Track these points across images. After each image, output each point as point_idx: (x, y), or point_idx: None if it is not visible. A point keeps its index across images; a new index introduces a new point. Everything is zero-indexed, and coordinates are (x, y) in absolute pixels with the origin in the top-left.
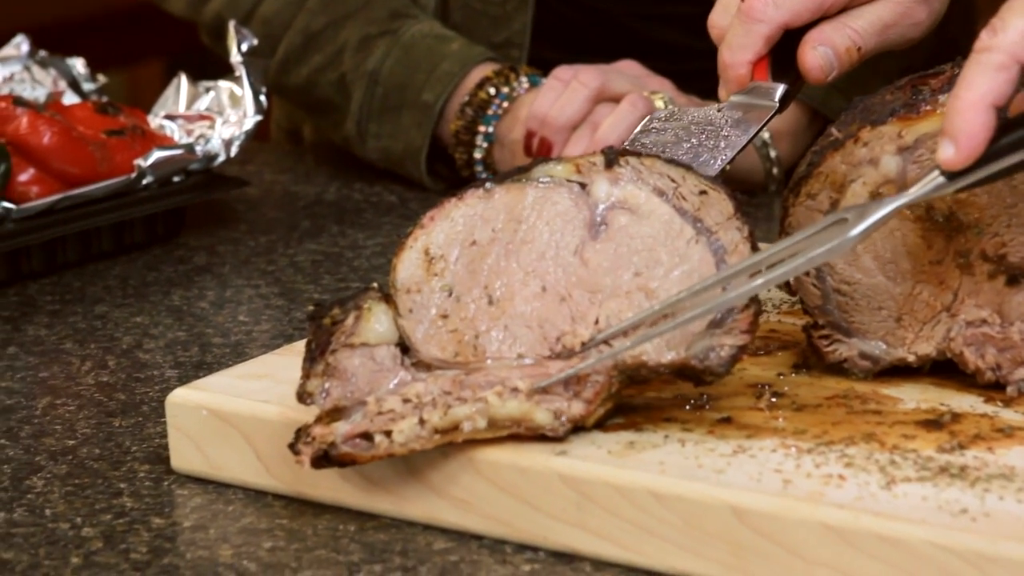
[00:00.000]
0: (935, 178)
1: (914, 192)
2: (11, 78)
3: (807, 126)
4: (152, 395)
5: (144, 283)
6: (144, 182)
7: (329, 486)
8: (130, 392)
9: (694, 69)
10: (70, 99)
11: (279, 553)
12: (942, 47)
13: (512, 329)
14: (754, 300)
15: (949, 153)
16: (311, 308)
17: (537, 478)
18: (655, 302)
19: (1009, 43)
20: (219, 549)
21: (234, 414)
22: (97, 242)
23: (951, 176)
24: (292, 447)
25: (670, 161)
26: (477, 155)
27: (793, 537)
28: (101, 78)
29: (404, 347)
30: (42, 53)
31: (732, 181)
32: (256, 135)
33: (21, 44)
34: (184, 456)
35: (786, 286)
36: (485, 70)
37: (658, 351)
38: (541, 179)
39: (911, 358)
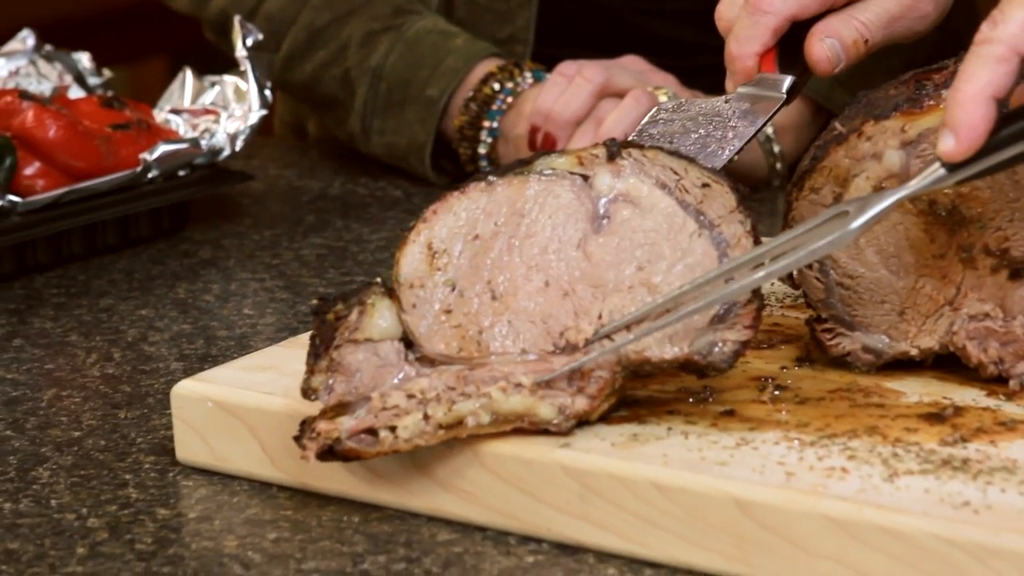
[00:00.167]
0: (936, 170)
1: (915, 184)
2: (17, 72)
3: (811, 121)
4: (157, 387)
5: (149, 276)
6: (149, 176)
7: (334, 478)
8: (135, 384)
9: (698, 64)
10: (75, 93)
11: (284, 544)
12: (945, 42)
13: (515, 324)
14: (757, 295)
15: (949, 145)
16: (315, 303)
17: (541, 470)
18: (658, 296)
19: (1009, 35)
20: (224, 540)
21: (239, 406)
22: (102, 235)
23: (951, 168)
24: (297, 440)
25: (673, 153)
26: (481, 150)
27: (796, 529)
28: (106, 72)
29: (408, 342)
30: (48, 47)
31: (736, 175)
32: (261, 130)
33: (27, 38)
34: (189, 447)
35: (789, 280)
36: (489, 66)
37: (661, 346)
38: (543, 172)
39: (914, 352)
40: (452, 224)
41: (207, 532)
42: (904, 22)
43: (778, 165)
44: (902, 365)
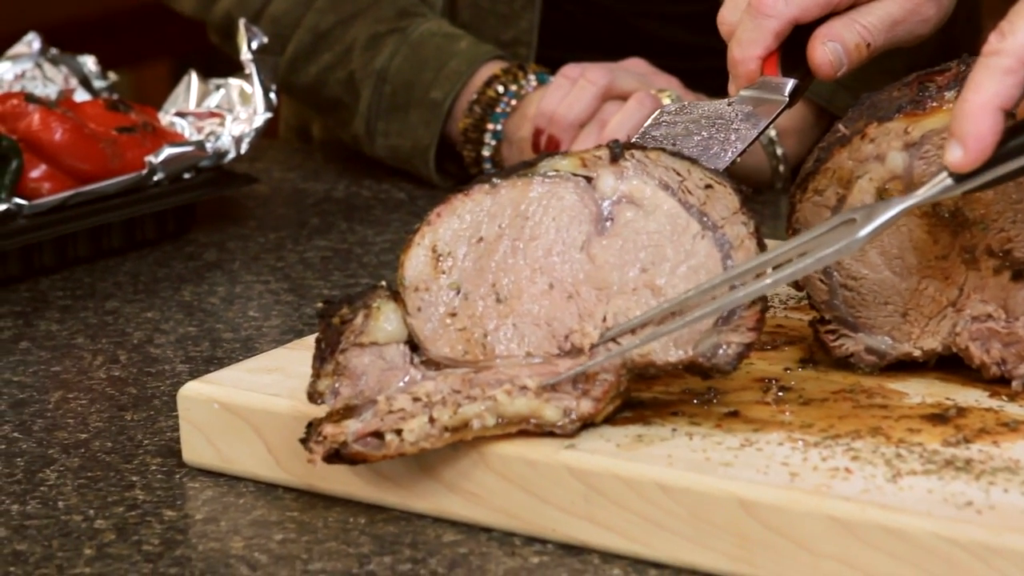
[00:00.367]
0: (943, 180)
1: (922, 194)
2: (23, 75)
3: (813, 124)
4: (163, 389)
5: (155, 279)
6: (155, 179)
7: (339, 479)
8: (141, 386)
9: (701, 67)
10: (81, 96)
11: (290, 545)
12: (947, 45)
13: (520, 327)
14: (761, 297)
15: (957, 156)
16: (320, 306)
17: (546, 471)
18: (662, 299)
19: (1017, 47)
20: (230, 541)
21: (245, 408)
22: (108, 238)
23: (959, 178)
24: (304, 444)
25: (676, 154)
26: (485, 153)
27: (800, 529)
28: (112, 75)
29: (413, 345)
30: (53, 51)
31: (739, 178)
32: (265, 132)
33: (32, 42)
34: (195, 449)
35: (793, 282)
36: (493, 68)
37: (666, 349)
38: (547, 174)
39: (917, 353)
40: (456, 227)
41: (214, 533)
42: (906, 26)
43: (781, 168)
44: (905, 366)
